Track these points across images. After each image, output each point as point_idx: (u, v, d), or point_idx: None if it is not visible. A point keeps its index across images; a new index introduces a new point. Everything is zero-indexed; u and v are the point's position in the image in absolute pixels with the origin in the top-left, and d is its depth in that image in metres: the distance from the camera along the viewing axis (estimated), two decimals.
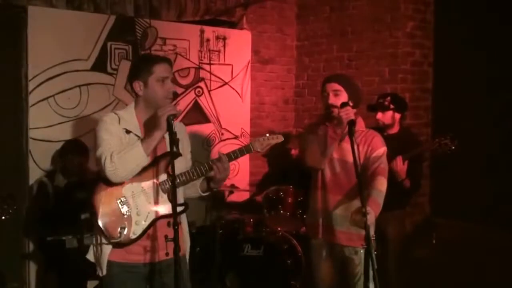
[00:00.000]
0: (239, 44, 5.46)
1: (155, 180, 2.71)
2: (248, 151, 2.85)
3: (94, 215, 2.66)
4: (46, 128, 4.37)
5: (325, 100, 3.23)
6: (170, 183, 2.67)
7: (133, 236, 2.65)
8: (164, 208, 2.69)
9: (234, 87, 5.46)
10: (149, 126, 2.69)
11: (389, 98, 4.11)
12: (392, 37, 5.02)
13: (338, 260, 3.31)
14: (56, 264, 4.05)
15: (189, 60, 5.13)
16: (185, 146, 2.86)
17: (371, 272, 2.72)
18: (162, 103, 2.68)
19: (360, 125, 3.26)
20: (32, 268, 4.36)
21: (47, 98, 4.38)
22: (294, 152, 5.37)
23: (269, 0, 5.71)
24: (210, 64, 5.28)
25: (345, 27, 5.42)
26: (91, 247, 2.79)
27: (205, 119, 5.28)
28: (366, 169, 3.16)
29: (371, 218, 2.81)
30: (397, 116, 4.10)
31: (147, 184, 2.70)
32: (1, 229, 3.72)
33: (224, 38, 5.36)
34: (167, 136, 2.63)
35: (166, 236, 2.55)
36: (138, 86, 2.74)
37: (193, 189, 2.87)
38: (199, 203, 2.96)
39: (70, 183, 4.17)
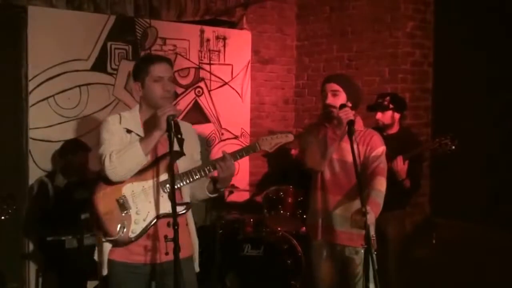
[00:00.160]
0: (239, 44, 5.46)
1: (156, 180, 2.71)
2: (254, 150, 2.81)
3: (93, 214, 2.66)
4: (46, 128, 4.37)
5: (323, 100, 3.24)
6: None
7: (132, 235, 2.64)
8: (165, 207, 2.68)
9: (234, 87, 5.46)
10: (149, 126, 2.69)
11: (388, 98, 4.11)
12: (392, 37, 5.02)
13: (338, 260, 3.30)
14: (56, 264, 4.04)
15: (189, 60, 5.13)
16: (192, 146, 2.85)
17: (371, 272, 2.72)
18: (161, 103, 2.68)
19: (359, 124, 3.25)
20: (32, 268, 4.35)
21: (47, 98, 4.38)
22: (294, 152, 5.37)
23: (269, 0, 5.71)
24: (210, 64, 5.28)
25: (345, 27, 5.42)
26: (96, 247, 2.80)
27: (205, 119, 5.28)
28: (365, 168, 3.15)
29: (371, 218, 2.80)
30: (397, 116, 4.10)
31: (148, 184, 2.70)
32: (1, 229, 3.72)
33: (224, 38, 5.36)
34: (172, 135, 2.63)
35: (165, 236, 2.54)
36: (137, 87, 2.76)
37: (201, 191, 2.87)
38: (199, 203, 2.96)
39: (70, 183, 4.17)
